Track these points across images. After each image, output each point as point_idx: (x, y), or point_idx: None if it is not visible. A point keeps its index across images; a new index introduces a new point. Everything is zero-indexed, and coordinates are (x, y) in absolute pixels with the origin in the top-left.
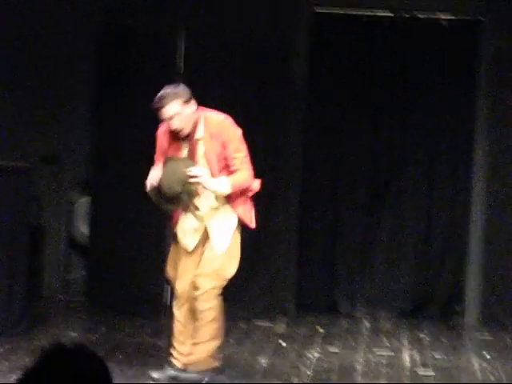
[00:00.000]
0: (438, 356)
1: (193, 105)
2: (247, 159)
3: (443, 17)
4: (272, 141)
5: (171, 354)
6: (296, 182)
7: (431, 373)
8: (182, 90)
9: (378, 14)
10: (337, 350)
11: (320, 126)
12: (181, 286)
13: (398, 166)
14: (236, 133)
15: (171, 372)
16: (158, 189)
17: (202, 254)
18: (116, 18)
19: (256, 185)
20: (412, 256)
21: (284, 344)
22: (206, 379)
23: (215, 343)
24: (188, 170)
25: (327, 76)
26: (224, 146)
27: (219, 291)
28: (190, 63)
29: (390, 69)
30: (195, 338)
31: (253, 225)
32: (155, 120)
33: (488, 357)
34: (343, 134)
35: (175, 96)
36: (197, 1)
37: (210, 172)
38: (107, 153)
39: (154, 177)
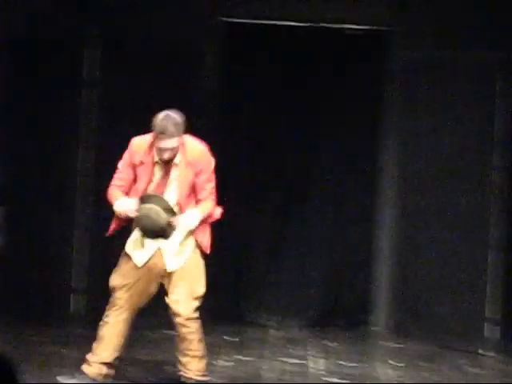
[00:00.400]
0: (344, 364)
1: (182, 138)
2: (214, 190)
3: (353, 27)
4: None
5: (87, 361)
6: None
7: (338, 380)
8: (183, 123)
9: (290, 24)
10: (244, 358)
11: (232, 133)
12: (125, 296)
13: (307, 171)
14: (211, 164)
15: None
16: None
17: (155, 271)
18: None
19: (218, 213)
20: (319, 265)
21: None
22: None
23: (202, 358)
24: (169, 220)
25: (238, 86)
26: (197, 175)
27: (198, 309)
28: (101, 71)
29: (300, 77)
30: (185, 355)
31: (208, 251)
32: (60, 125)
33: (395, 364)
34: (254, 140)
35: (179, 131)
36: (107, 8)
37: (178, 196)
38: (19, 160)
39: (128, 208)
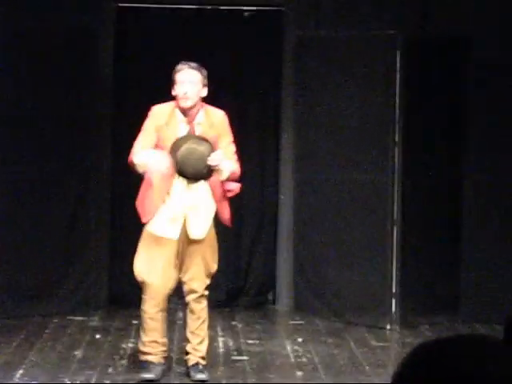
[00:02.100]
0: (250, 342)
1: (205, 91)
2: (236, 154)
3: (246, 8)
4: (83, 137)
5: (148, 353)
6: (107, 177)
7: (244, 357)
8: (206, 76)
9: (182, 6)
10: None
11: (127, 119)
12: (157, 284)
13: None
14: (230, 128)
15: (159, 368)
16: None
17: (177, 252)
18: None
19: (238, 186)
20: (223, 246)
21: (98, 336)
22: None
23: (208, 339)
24: (208, 157)
25: (132, 69)
26: (219, 137)
27: (208, 289)
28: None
29: (194, 59)
30: (197, 337)
31: (229, 224)
32: None
33: (300, 340)
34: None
35: (202, 71)
36: None
37: None
38: None
39: (162, 160)
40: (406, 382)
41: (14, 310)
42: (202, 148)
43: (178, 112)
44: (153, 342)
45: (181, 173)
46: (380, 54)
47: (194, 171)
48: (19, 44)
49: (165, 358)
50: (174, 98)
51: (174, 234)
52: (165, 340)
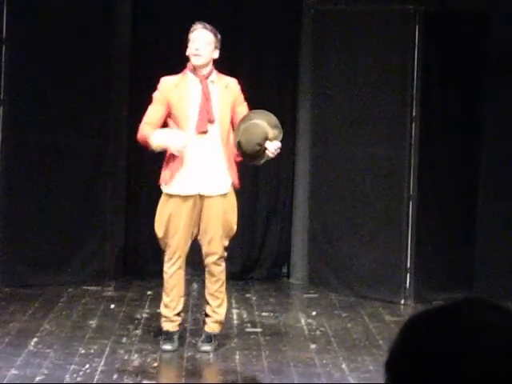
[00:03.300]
0: (265, 314)
1: (217, 53)
2: None
3: None
4: (100, 106)
5: (166, 318)
6: (123, 146)
7: (258, 329)
8: (219, 39)
9: None
10: None
11: (144, 87)
12: (175, 243)
13: None
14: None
15: (176, 339)
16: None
17: (195, 210)
18: None
19: None
20: (239, 219)
21: (113, 306)
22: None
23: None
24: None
25: (150, 37)
26: (237, 103)
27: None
28: (13, 28)
29: None
30: (216, 299)
31: (239, 186)
32: None
33: (314, 313)
34: None
35: (215, 33)
36: None
37: (211, 116)
38: None
39: (179, 139)
40: (400, 357)
41: (29, 278)
42: (269, 131)
43: (189, 74)
44: (172, 301)
45: (238, 143)
46: (398, 28)
47: (247, 145)
48: (29, 18)
49: (180, 323)
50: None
51: (191, 190)
52: (182, 299)
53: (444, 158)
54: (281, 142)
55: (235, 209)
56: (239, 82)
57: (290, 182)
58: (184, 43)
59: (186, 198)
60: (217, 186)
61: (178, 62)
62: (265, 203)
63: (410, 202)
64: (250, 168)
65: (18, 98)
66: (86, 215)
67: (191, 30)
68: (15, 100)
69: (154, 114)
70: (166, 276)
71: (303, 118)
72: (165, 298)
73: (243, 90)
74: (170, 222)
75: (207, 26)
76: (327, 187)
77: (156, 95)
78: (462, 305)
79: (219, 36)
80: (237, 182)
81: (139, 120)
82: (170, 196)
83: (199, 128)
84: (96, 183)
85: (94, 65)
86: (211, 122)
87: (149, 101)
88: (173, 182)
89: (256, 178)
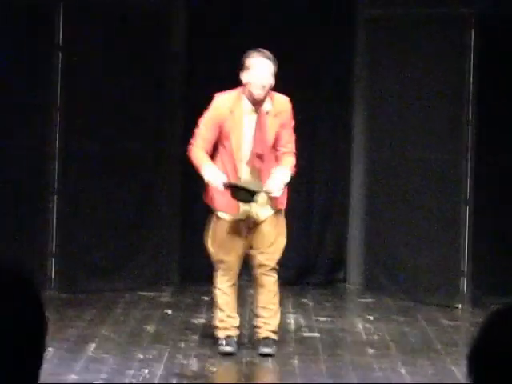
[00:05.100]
0: (322, 319)
1: (273, 80)
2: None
3: None
4: (158, 117)
5: (225, 328)
6: (179, 153)
7: (316, 334)
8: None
9: None
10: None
11: (198, 103)
12: (230, 261)
13: None
14: (293, 116)
15: (234, 342)
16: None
17: (246, 228)
18: None
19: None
20: (295, 225)
21: (170, 312)
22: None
23: (280, 314)
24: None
25: (204, 54)
26: (283, 126)
27: (278, 264)
28: (68, 36)
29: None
30: (268, 311)
31: (282, 206)
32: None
33: (371, 318)
34: None
35: (275, 62)
36: None
37: (265, 149)
38: None
39: (218, 180)
40: (484, 353)
41: (86, 285)
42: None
43: (244, 100)
44: (228, 316)
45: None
46: (453, 32)
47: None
48: (84, 27)
49: (238, 331)
50: (240, 82)
51: (241, 216)
52: (237, 314)
53: (500, 161)
54: (337, 146)
55: (282, 223)
56: (291, 100)
57: (345, 186)
58: (237, 61)
59: (235, 220)
60: (263, 210)
61: (229, 80)
62: (320, 208)
63: (467, 206)
64: (306, 173)
65: (74, 105)
66: (142, 221)
67: (251, 56)
68: (71, 107)
69: (206, 137)
70: (219, 292)
71: (358, 122)
72: (219, 314)
73: (294, 106)
74: (223, 241)
75: (268, 54)
76: (383, 191)
77: (210, 117)
78: None
79: (277, 63)
80: (280, 202)
81: (192, 132)
82: (219, 216)
83: (251, 163)
84: (152, 190)
85: (149, 73)
86: (262, 157)
87: (203, 109)
88: (220, 206)
89: (312, 182)
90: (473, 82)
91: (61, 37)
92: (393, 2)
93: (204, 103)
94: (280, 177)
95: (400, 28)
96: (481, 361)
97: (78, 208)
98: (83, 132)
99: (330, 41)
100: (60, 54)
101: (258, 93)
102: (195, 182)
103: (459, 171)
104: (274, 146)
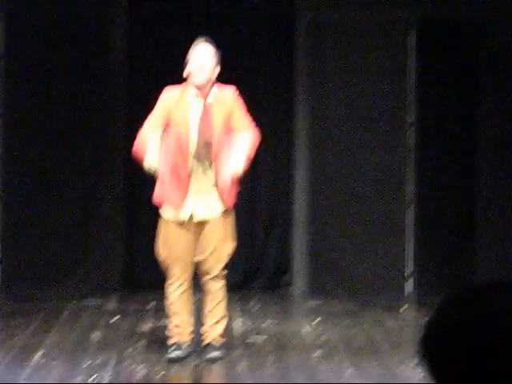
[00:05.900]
0: (268, 323)
1: (218, 70)
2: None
3: None
4: (97, 120)
5: (173, 336)
6: (122, 160)
7: (263, 337)
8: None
9: None
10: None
11: (141, 103)
12: (180, 268)
13: None
14: (241, 102)
15: (186, 349)
16: None
17: (196, 232)
18: None
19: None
20: (239, 229)
21: (116, 318)
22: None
23: (227, 319)
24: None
25: (145, 57)
26: (231, 113)
27: (226, 269)
28: (12, 44)
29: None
30: (213, 317)
31: (229, 208)
32: None
33: (317, 321)
34: None
35: (217, 50)
36: None
37: (211, 138)
38: None
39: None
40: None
41: (30, 293)
42: None
43: (190, 88)
44: (176, 326)
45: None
46: (394, 35)
47: None
48: (30, 36)
49: (191, 337)
50: (185, 80)
51: (184, 216)
52: (192, 320)
53: (442, 162)
54: (279, 149)
55: (230, 226)
56: (237, 89)
57: (289, 189)
58: (182, 65)
59: (181, 222)
60: (208, 210)
61: (176, 75)
62: (264, 211)
63: (409, 208)
64: (249, 176)
65: (17, 112)
66: (86, 229)
67: (190, 49)
68: (13, 114)
69: (155, 123)
70: (168, 301)
71: (300, 127)
72: (168, 322)
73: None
74: (171, 247)
75: (208, 40)
76: (326, 195)
77: (158, 106)
78: (493, 285)
79: (220, 52)
80: (230, 203)
81: (135, 135)
82: (166, 220)
83: (198, 155)
84: (96, 197)
85: (90, 77)
86: (210, 146)
87: (146, 115)
88: (167, 207)
89: (254, 185)
90: (415, 85)
91: (3, 45)
92: (336, 5)
93: (148, 101)
94: (236, 158)
95: (342, 31)
96: (433, 344)
97: (21, 215)
98: (25, 138)
99: (270, 44)
100: (1, 62)
101: (197, 77)
102: (140, 188)
103: (401, 173)
104: (228, 134)
